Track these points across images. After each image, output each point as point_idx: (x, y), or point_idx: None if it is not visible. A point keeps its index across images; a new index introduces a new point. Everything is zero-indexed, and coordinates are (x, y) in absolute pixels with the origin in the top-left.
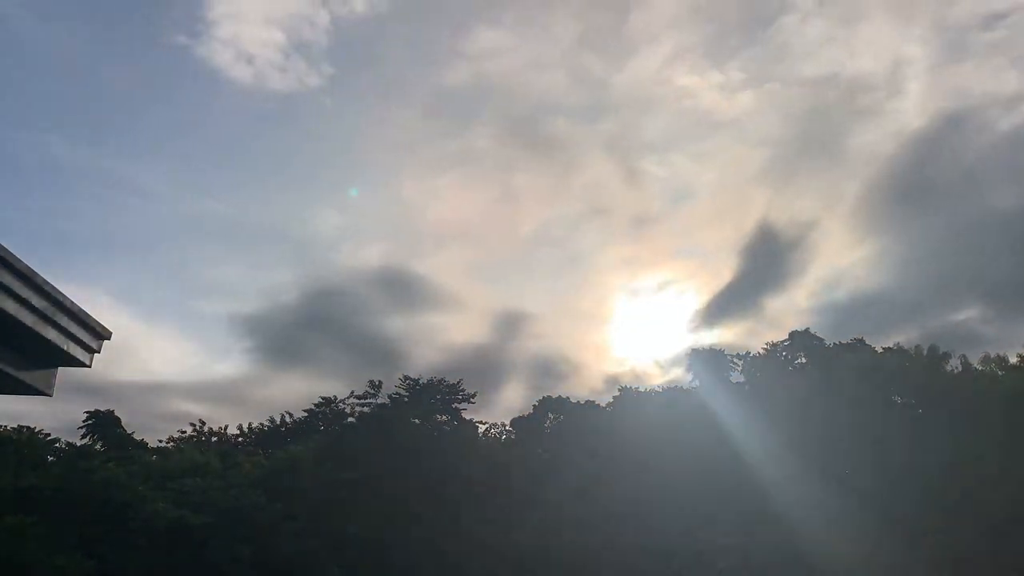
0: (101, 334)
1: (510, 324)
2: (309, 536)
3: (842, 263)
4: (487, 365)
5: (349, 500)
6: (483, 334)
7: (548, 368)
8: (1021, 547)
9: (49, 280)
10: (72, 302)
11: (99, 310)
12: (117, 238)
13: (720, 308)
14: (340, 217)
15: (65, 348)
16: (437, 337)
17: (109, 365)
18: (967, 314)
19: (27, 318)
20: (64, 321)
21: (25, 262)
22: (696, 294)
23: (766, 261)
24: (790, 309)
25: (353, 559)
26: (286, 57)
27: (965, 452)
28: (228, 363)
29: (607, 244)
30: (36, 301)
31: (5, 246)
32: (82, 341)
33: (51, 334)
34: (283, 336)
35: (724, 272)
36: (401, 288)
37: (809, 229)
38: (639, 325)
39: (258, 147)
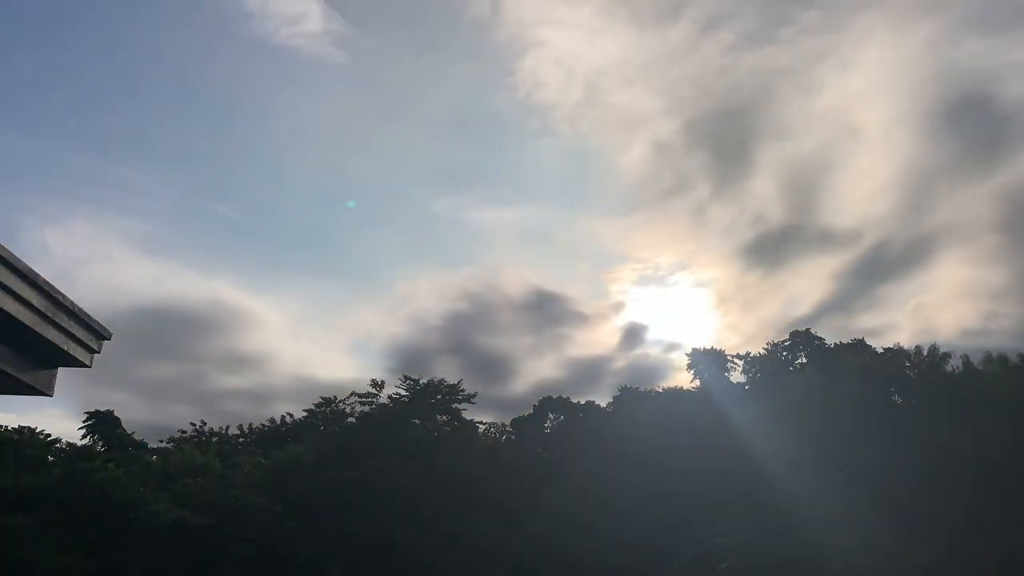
0: (101, 334)
1: None
2: (310, 536)
3: None
4: None
5: (349, 500)
6: None
7: None
8: (1020, 548)
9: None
10: (72, 302)
11: None
12: None
13: None
14: None
15: (66, 348)
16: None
17: None
18: None
19: (27, 318)
20: (65, 321)
21: (25, 262)
22: None
23: None
24: None
25: (354, 559)
26: None
27: (966, 452)
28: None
29: None
30: (37, 301)
31: (5, 246)
32: (83, 341)
33: (51, 334)
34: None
35: None
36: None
37: None
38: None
39: None
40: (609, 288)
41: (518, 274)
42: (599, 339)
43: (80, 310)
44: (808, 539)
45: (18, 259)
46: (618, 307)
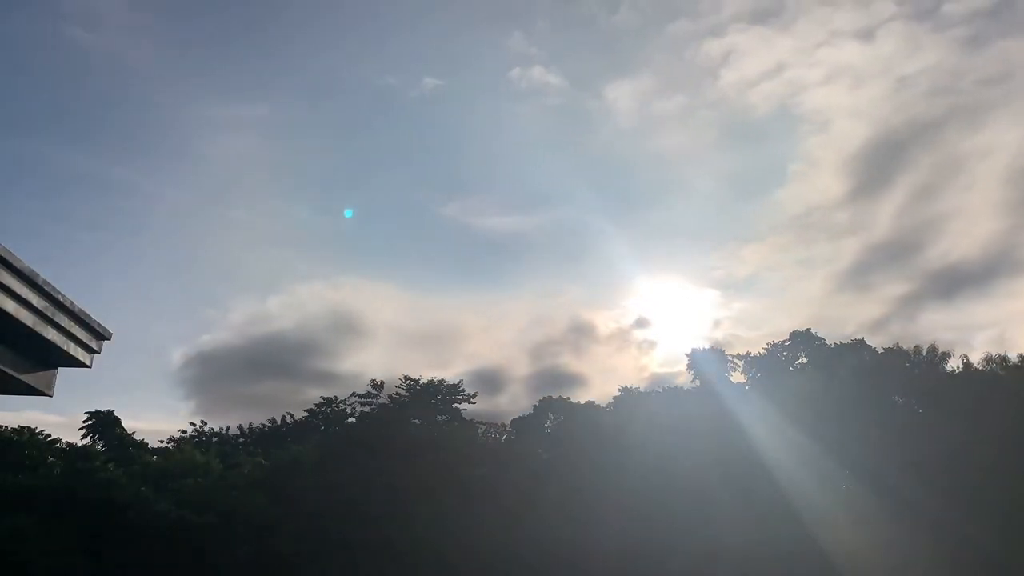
0: (101, 335)
1: None
2: (310, 537)
3: None
4: None
5: (350, 500)
6: None
7: None
8: (1021, 548)
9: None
10: (72, 302)
11: None
12: None
13: None
14: None
15: (65, 348)
16: None
17: None
18: None
19: (27, 318)
20: (64, 321)
21: (25, 262)
22: None
23: None
24: None
25: (354, 559)
26: None
27: (966, 452)
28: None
29: None
30: (36, 301)
31: (5, 246)
32: (82, 341)
33: (51, 334)
34: None
35: None
36: None
37: None
38: None
39: None
40: None
41: None
42: None
43: (80, 310)
44: (808, 539)
45: (18, 259)
46: None
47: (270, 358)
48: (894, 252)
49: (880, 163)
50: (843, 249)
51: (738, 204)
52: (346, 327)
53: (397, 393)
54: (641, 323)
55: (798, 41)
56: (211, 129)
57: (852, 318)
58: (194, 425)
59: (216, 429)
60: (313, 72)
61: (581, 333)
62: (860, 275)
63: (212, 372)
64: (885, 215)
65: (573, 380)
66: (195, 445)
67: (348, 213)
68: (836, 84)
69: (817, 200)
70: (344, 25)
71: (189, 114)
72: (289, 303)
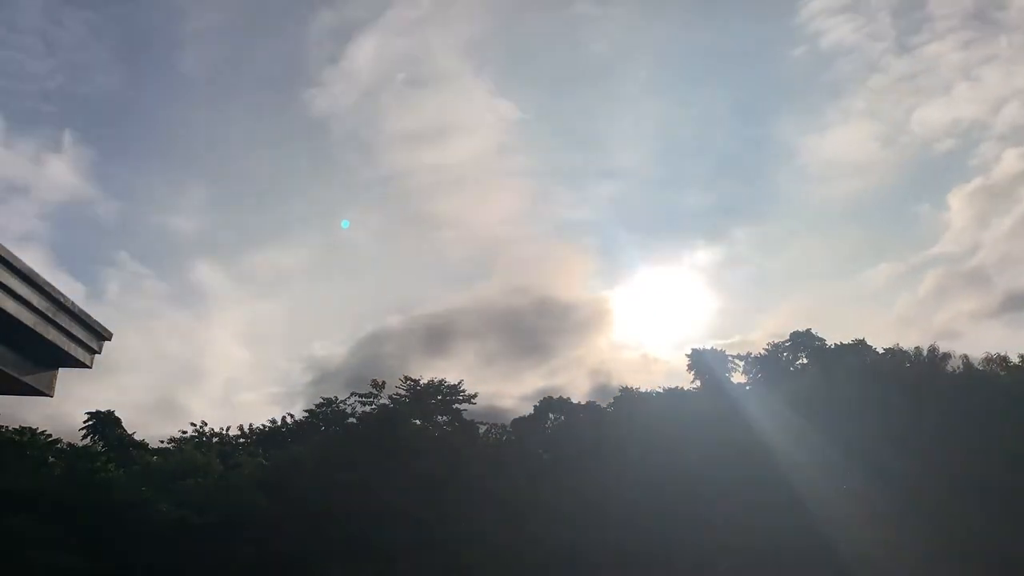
0: (102, 335)
1: None
2: (310, 537)
3: None
4: None
5: (350, 501)
6: None
7: None
8: (1020, 548)
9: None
10: (73, 303)
11: None
12: None
13: None
14: None
15: (66, 349)
16: None
17: None
18: None
19: (28, 319)
20: (65, 322)
21: (25, 262)
22: None
23: None
24: None
25: (354, 560)
26: None
27: (967, 451)
28: None
29: None
30: (37, 301)
31: (5, 246)
32: (83, 342)
33: (52, 335)
34: None
35: None
36: None
37: None
38: None
39: None
40: None
41: None
42: None
43: (80, 311)
44: (809, 538)
45: (19, 260)
46: None
47: None
48: None
49: None
50: None
51: None
52: None
53: (397, 393)
54: None
55: None
56: None
57: None
58: (194, 425)
59: (216, 429)
60: None
61: None
62: None
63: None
64: None
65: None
66: (195, 445)
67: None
68: None
69: None
70: None
71: None
72: None
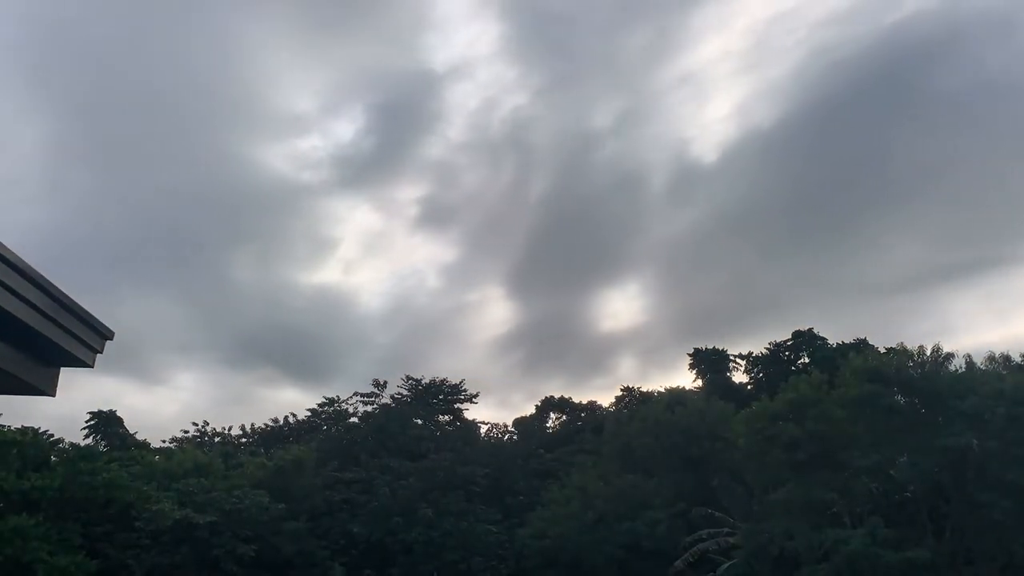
0: (104, 334)
1: None
2: (312, 536)
3: None
4: None
5: (352, 500)
6: None
7: None
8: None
9: None
10: (74, 301)
11: None
12: None
13: None
14: None
15: (68, 348)
16: None
17: None
18: None
19: (29, 317)
20: (67, 320)
21: (26, 260)
22: None
23: None
24: None
25: (356, 559)
26: None
27: (969, 452)
28: None
29: None
30: (38, 300)
31: (6, 244)
32: (85, 341)
33: (54, 333)
34: None
35: None
36: None
37: None
38: None
39: None
40: None
41: None
42: None
43: (82, 309)
44: (809, 539)
45: (19, 258)
46: None
47: None
48: None
49: None
50: None
51: None
52: None
53: (399, 393)
54: None
55: None
56: None
57: None
58: (196, 425)
59: (218, 429)
60: None
61: None
62: None
63: None
64: None
65: None
66: (197, 445)
67: None
68: None
69: None
70: None
71: None
72: None
